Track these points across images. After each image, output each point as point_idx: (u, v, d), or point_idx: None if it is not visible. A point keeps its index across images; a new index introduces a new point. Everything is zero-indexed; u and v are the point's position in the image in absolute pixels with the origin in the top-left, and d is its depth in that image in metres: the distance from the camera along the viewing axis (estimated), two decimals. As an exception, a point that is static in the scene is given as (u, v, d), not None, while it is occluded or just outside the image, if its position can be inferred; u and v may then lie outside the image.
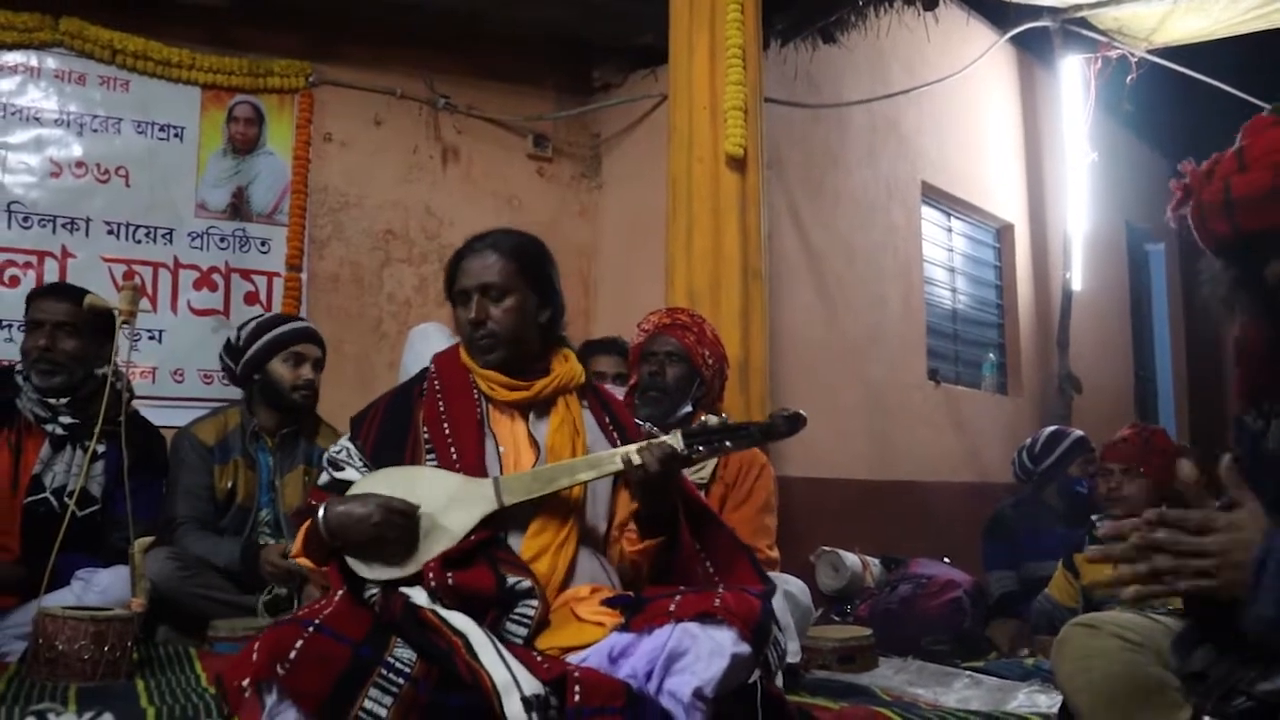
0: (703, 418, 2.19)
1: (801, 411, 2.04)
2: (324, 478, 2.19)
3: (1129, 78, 6.04)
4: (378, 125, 4.71)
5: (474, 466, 2.07)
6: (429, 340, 3.39)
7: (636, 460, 2.00)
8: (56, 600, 2.69)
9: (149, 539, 2.77)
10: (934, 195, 5.82)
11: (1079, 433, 4.85)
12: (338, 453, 2.19)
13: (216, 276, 4.29)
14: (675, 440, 2.00)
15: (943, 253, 6.03)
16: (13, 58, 4.08)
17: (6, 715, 2.00)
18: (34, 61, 4.12)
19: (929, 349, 5.62)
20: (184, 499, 3.29)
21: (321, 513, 1.98)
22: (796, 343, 4.57)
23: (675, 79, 4.08)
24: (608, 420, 2.24)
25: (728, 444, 2.04)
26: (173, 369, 4.16)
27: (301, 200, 4.44)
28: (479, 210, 4.62)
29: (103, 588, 2.83)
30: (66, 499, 2.95)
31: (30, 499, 2.98)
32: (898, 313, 5.35)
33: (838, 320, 4.92)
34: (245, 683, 1.60)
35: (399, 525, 1.96)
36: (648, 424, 2.33)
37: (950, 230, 6.12)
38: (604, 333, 4.02)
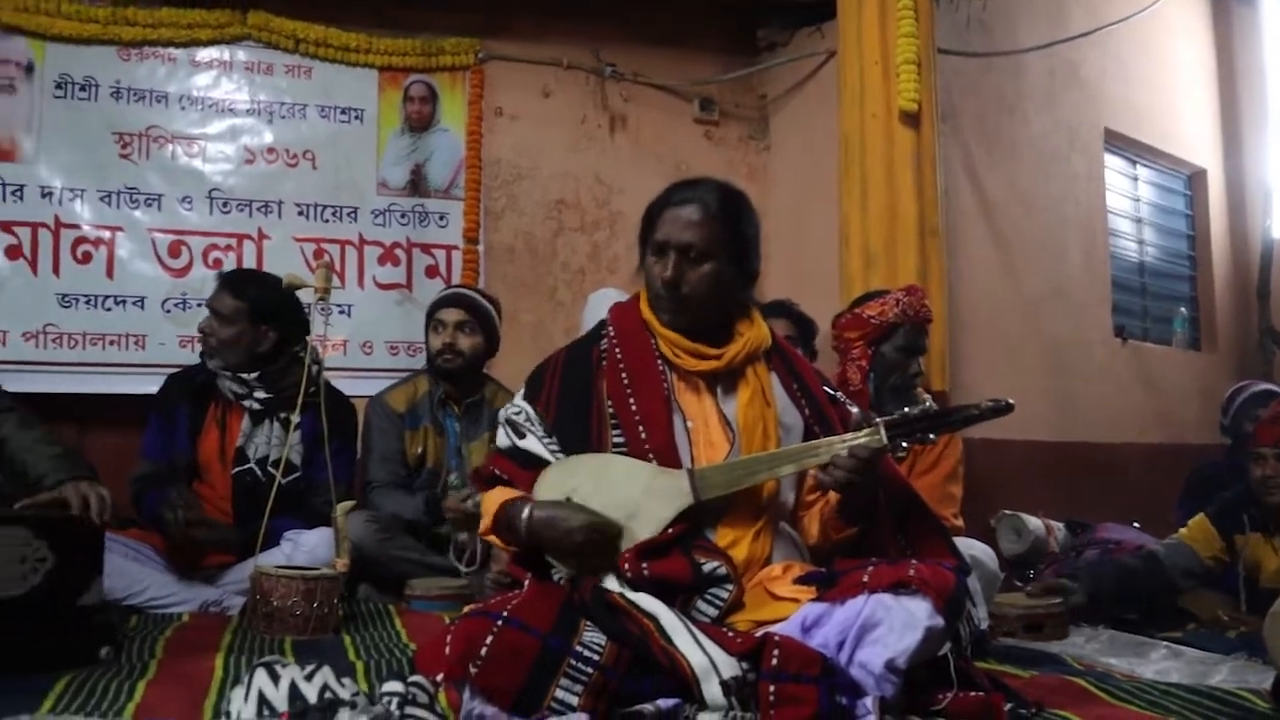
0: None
1: (1009, 400, 1.98)
2: (503, 440, 2.19)
3: (1338, 4, 5.59)
4: (546, 97, 4.78)
5: (664, 446, 2.05)
6: (607, 305, 3.45)
7: (844, 455, 1.96)
8: (269, 560, 2.88)
9: (350, 503, 2.92)
10: (1118, 142, 5.54)
11: (1264, 386, 4.54)
12: (517, 414, 2.18)
13: (399, 251, 4.45)
14: (880, 436, 1.96)
15: (1128, 202, 5.76)
16: (208, 54, 4.31)
17: (235, 664, 2.16)
18: (226, 56, 4.34)
19: (1114, 304, 5.39)
20: (378, 464, 3.46)
21: (525, 514, 1.99)
22: (975, 300, 4.44)
23: (844, 34, 4.00)
24: (796, 388, 2.19)
25: (931, 436, 2.00)
26: (361, 341, 4.35)
27: (476, 174, 4.55)
28: (647, 176, 4.61)
29: (309, 548, 3.01)
30: (270, 468, 3.15)
31: (237, 469, 3.20)
32: (1080, 267, 5.13)
33: (1017, 276, 4.75)
34: (439, 679, 1.65)
35: (599, 544, 1.96)
36: (839, 394, 2.28)
37: (1136, 179, 5.83)
38: (775, 296, 3.99)
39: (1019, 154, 4.85)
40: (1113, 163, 5.56)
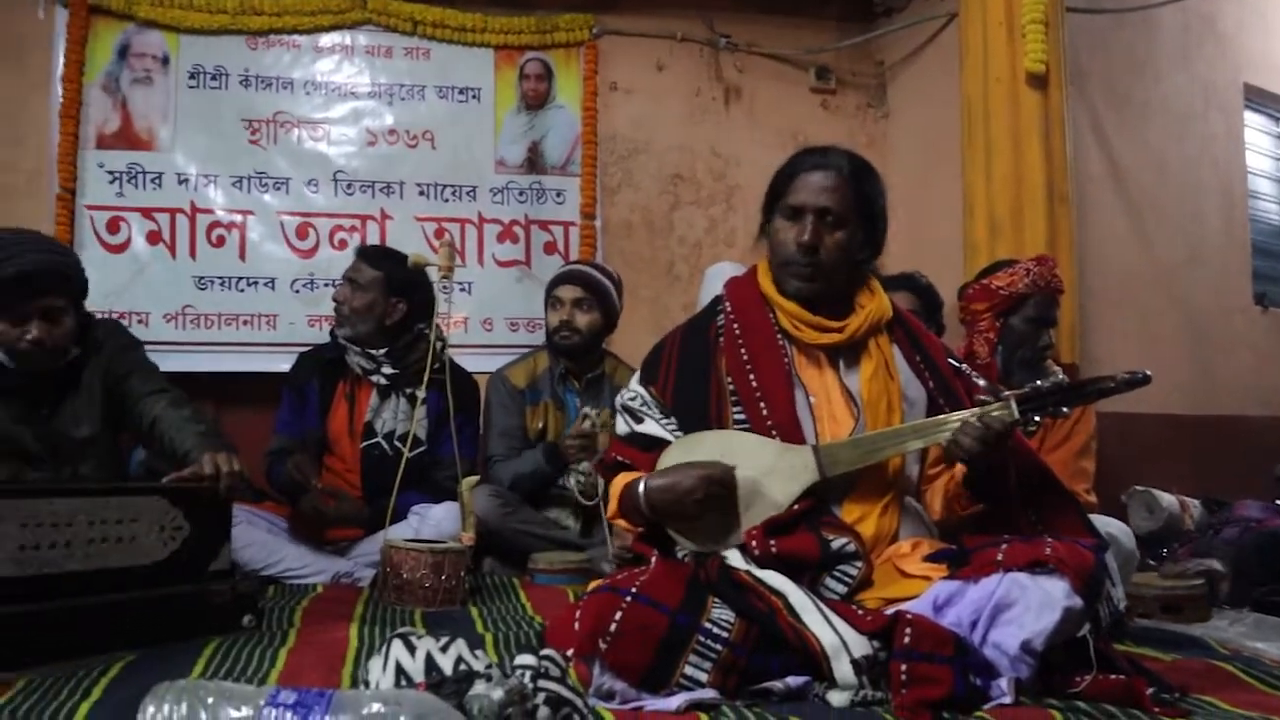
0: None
1: (1146, 371, 1.90)
2: (622, 427, 2.20)
3: None
4: (660, 70, 4.76)
5: (786, 422, 2.03)
6: (724, 279, 3.43)
7: (974, 421, 1.92)
8: (396, 533, 2.95)
9: (475, 478, 2.98)
10: (1259, 98, 5.27)
11: None
12: (632, 400, 2.18)
13: (517, 229, 4.49)
14: (1010, 410, 1.92)
15: (1270, 162, 5.49)
16: (330, 39, 4.42)
17: (368, 634, 2.23)
18: (348, 40, 4.44)
19: (1255, 270, 5.14)
20: (499, 438, 3.52)
21: (642, 487, 2.00)
22: (1106, 269, 4.27)
23: (967, -5, 3.88)
24: (919, 360, 2.15)
25: (1064, 409, 1.94)
26: (482, 318, 4.42)
27: (592, 150, 4.57)
28: (764, 148, 4.58)
29: (436, 522, 3.09)
30: (397, 443, 3.24)
31: (365, 443, 3.30)
32: (1218, 232, 4.90)
33: (1150, 242, 4.56)
34: (570, 654, 1.66)
35: (720, 496, 1.95)
36: (965, 365, 2.22)
37: (1279, 137, 5.53)
38: (896, 268, 3.91)
39: (1151, 115, 4.65)
40: (1253, 120, 5.30)
